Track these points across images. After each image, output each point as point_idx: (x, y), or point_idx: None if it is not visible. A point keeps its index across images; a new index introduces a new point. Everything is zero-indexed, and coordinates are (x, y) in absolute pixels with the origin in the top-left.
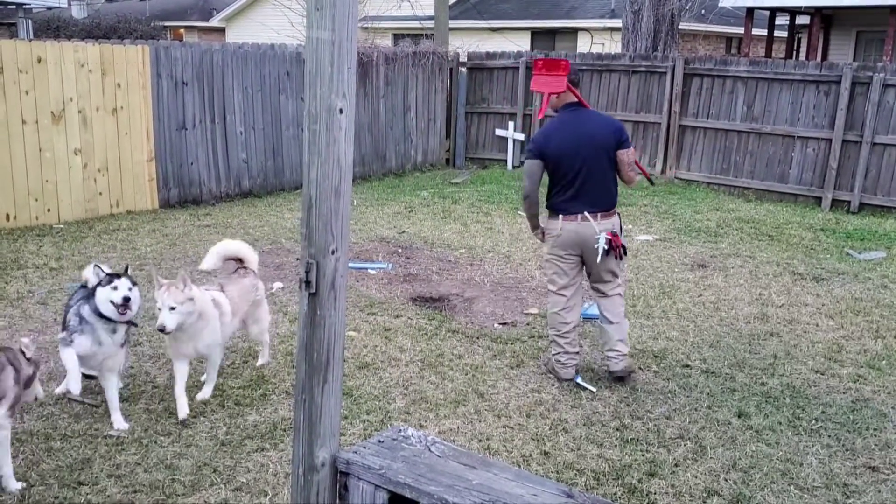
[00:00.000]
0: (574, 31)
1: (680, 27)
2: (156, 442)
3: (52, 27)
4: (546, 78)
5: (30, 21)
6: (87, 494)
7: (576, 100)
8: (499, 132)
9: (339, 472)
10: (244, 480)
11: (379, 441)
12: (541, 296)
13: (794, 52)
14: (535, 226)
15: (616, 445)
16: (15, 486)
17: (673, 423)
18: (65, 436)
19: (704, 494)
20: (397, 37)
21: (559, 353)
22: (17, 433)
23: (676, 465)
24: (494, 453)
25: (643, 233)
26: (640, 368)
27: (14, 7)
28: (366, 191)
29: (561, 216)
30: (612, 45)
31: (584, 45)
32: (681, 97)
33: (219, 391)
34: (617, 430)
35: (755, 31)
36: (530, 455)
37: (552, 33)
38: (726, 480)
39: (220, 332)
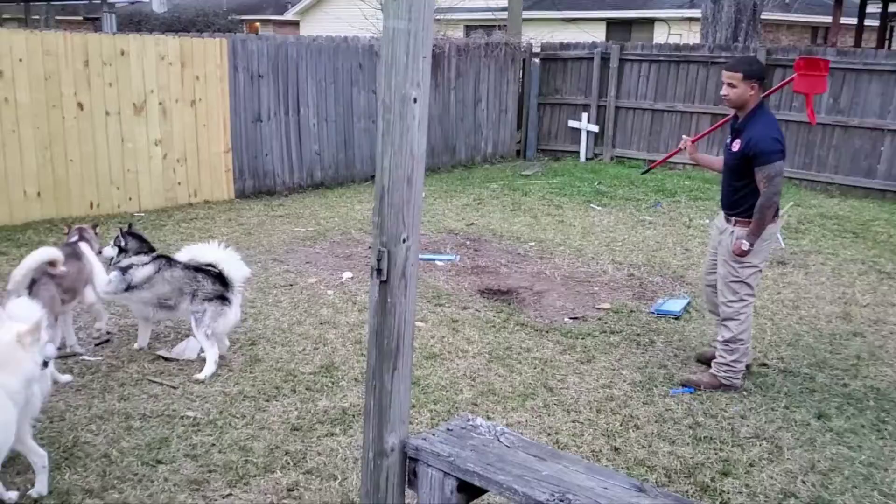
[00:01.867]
0: (651, 22)
1: (762, 17)
2: (230, 424)
3: (135, 21)
4: (810, 79)
5: (114, 15)
6: (165, 473)
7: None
8: (572, 123)
9: (408, 457)
10: (314, 464)
11: (448, 429)
12: (613, 290)
13: (887, 42)
14: (759, 234)
15: (688, 443)
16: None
17: (748, 422)
18: (144, 416)
19: (780, 496)
20: (469, 28)
21: (740, 362)
22: (99, 412)
23: (751, 465)
24: (563, 448)
25: None
26: None
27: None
28: (434, 183)
29: (776, 219)
30: (691, 36)
31: (660, 35)
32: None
33: (290, 377)
34: (689, 427)
35: (843, 20)
36: (600, 450)
37: (628, 24)
38: (804, 483)
39: None
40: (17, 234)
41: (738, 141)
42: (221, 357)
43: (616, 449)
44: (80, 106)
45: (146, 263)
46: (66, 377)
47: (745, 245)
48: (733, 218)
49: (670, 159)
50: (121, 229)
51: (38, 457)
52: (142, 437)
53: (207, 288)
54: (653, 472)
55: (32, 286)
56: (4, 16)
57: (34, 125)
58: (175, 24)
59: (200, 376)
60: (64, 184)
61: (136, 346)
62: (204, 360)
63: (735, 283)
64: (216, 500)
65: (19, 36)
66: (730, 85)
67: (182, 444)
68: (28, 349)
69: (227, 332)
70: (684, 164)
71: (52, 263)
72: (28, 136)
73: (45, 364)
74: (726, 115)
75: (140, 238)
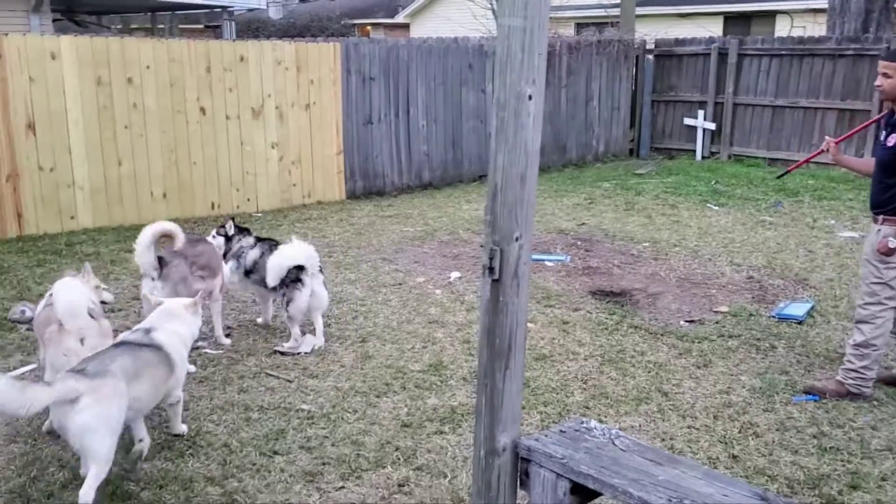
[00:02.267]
0: (772, 15)
1: None
2: (343, 418)
3: (252, 28)
4: None
5: (233, 23)
6: (281, 463)
7: None
8: (687, 121)
9: (520, 458)
10: (424, 461)
11: (561, 431)
12: (731, 293)
13: None
14: None
15: (813, 453)
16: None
17: (879, 433)
18: (261, 408)
19: None
20: (580, 26)
21: (871, 369)
22: (220, 403)
23: (883, 479)
24: (678, 454)
25: (847, 229)
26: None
27: (220, 10)
28: (544, 182)
29: None
30: (815, 28)
31: (782, 29)
32: None
33: (400, 374)
34: (814, 437)
35: None
36: (717, 458)
37: (747, 17)
38: None
39: None
40: None
41: (894, 135)
42: (333, 353)
43: (734, 457)
44: (203, 111)
45: (253, 247)
46: (191, 367)
47: (893, 243)
48: (881, 216)
49: (807, 161)
50: (228, 218)
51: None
52: (260, 429)
53: (289, 273)
54: (774, 482)
55: (163, 268)
56: (132, 26)
57: (161, 129)
58: (290, 30)
59: (281, 348)
60: (188, 185)
61: (259, 320)
62: (319, 354)
63: (876, 285)
64: (330, 492)
65: (147, 44)
66: (884, 75)
67: (297, 436)
68: (194, 315)
69: (312, 312)
70: (818, 162)
71: (168, 236)
72: (155, 140)
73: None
74: (854, 110)
75: (240, 227)
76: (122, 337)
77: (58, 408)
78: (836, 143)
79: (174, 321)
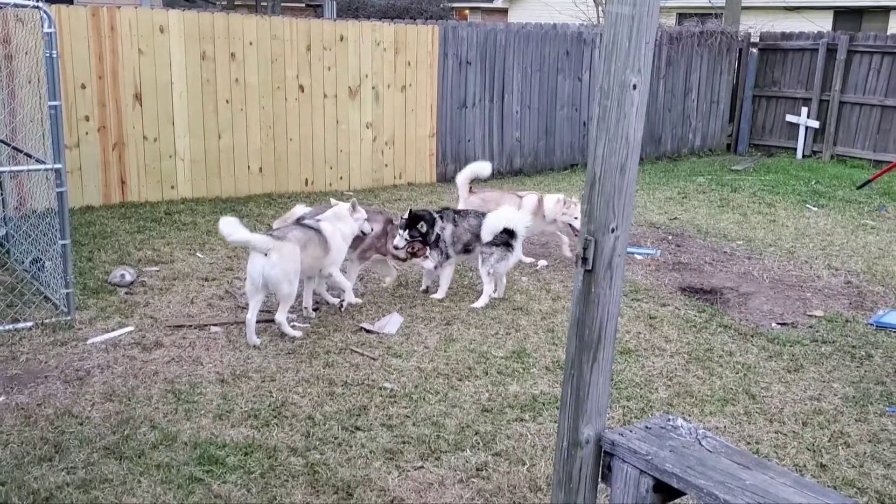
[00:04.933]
0: (886, 10)
1: None
2: (424, 399)
3: (353, 8)
4: None
5: (334, 2)
6: (362, 439)
7: None
8: (789, 118)
9: (603, 451)
10: (503, 447)
11: (646, 427)
12: (827, 297)
13: None
14: None
15: None
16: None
17: None
18: (346, 383)
19: None
20: (682, 16)
21: None
22: (306, 376)
23: None
24: (764, 458)
25: None
26: None
27: None
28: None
29: None
30: None
31: None
32: None
33: (483, 359)
34: None
35: None
36: (804, 465)
37: (858, 12)
38: None
39: None
40: (239, 205)
41: None
42: (417, 335)
43: (822, 466)
44: (301, 88)
45: (444, 227)
46: (358, 300)
47: None
48: None
49: (890, 170)
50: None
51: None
52: (343, 404)
53: (499, 235)
54: (863, 495)
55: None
56: (237, 2)
57: (260, 105)
58: (390, 11)
59: (475, 305)
60: (283, 161)
61: (437, 296)
62: (403, 334)
63: None
64: (409, 471)
65: (250, 21)
66: None
67: (379, 413)
68: (352, 217)
69: (506, 273)
70: None
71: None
72: (254, 115)
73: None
74: None
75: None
76: (302, 222)
77: (255, 257)
78: None
79: (339, 220)
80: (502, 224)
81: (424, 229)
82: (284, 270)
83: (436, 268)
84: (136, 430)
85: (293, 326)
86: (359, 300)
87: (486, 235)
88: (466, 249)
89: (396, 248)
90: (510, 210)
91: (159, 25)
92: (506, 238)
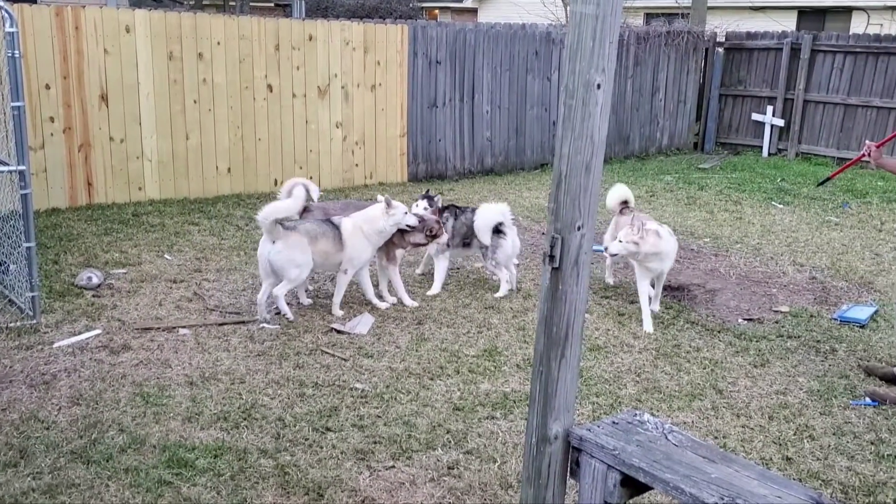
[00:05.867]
0: (848, 10)
1: None
2: (396, 399)
3: (322, 7)
4: None
5: (303, 1)
6: (333, 440)
7: None
8: (755, 117)
9: (571, 447)
10: (475, 445)
11: (614, 422)
12: (792, 293)
13: None
14: None
15: (870, 460)
16: (410, 302)
17: None
18: (316, 384)
19: None
20: (650, 16)
21: None
22: (276, 377)
23: None
24: (731, 453)
25: None
26: None
27: None
28: (605, 172)
29: None
30: (893, 27)
31: (858, 25)
32: None
33: (454, 358)
34: (872, 443)
35: None
36: (770, 459)
37: (822, 12)
38: None
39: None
40: (208, 206)
41: None
42: (389, 334)
43: (788, 459)
44: (270, 88)
45: (447, 220)
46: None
47: None
48: None
49: (849, 167)
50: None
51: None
52: (313, 405)
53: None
54: (828, 487)
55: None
56: (204, 2)
57: (228, 105)
58: (359, 11)
59: (497, 295)
60: (252, 161)
61: (431, 292)
62: (374, 334)
63: None
64: (380, 471)
65: (218, 21)
66: None
67: (350, 414)
68: (385, 216)
69: (511, 259)
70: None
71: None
72: (222, 115)
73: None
74: None
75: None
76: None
77: (264, 243)
78: (878, 146)
79: (366, 222)
80: (494, 219)
81: (446, 216)
82: (289, 258)
83: (438, 252)
84: (104, 434)
85: (263, 327)
86: (386, 304)
87: (482, 235)
88: (465, 243)
89: (415, 221)
90: (496, 204)
91: (125, 25)
92: (496, 226)
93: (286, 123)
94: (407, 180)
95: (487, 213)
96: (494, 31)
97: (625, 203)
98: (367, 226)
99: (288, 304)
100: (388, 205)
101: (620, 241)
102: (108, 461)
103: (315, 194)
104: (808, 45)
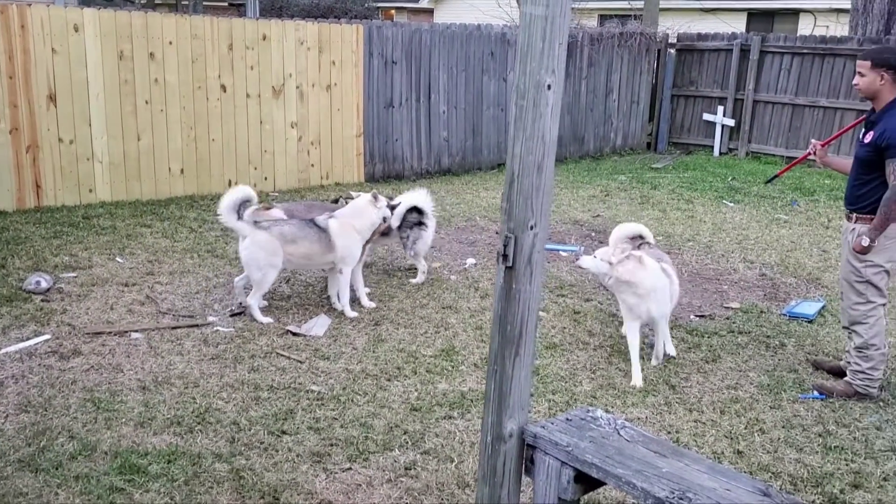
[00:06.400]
0: (795, 13)
1: None
2: (352, 400)
3: (276, 7)
4: None
5: (257, 1)
6: (289, 443)
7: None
8: (707, 117)
9: (526, 444)
10: (432, 445)
11: (567, 419)
12: (743, 289)
13: None
14: (882, 229)
15: (817, 452)
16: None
17: (884, 434)
18: (272, 387)
19: None
20: (603, 17)
21: (877, 369)
22: (231, 381)
23: (885, 479)
24: (684, 447)
25: None
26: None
27: None
28: (561, 173)
29: None
30: (838, 28)
31: (805, 27)
32: None
33: (412, 358)
34: (819, 435)
35: None
36: (722, 452)
37: (770, 14)
38: None
39: (669, 298)
40: (160, 208)
41: (871, 133)
42: (345, 336)
43: (739, 452)
44: (224, 88)
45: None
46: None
47: (866, 241)
48: (854, 214)
49: (795, 165)
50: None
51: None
52: (269, 408)
53: (410, 218)
54: (777, 479)
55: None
56: (156, 1)
57: (181, 105)
58: (314, 11)
59: (414, 281)
60: (206, 162)
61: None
62: (331, 336)
63: (859, 284)
64: (336, 472)
65: (170, 20)
66: (860, 73)
67: (306, 416)
68: (373, 208)
69: (426, 251)
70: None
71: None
72: (175, 115)
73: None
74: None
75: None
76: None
77: (241, 242)
78: (823, 145)
79: (354, 216)
80: (407, 206)
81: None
82: (252, 256)
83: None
84: (53, 441)
85: (216, 329)
86: (372, 304)
87: (394, 221)
88: (383, 232)
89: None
90: (416, 192)
91: (74, 24)
92: (418, 218)
93: (240, 124)
94: (364, 181)
95: (407, 199)
96: (450, 31)
97: (641, 238)
98: (359, 221)
99: (239, 312)
100: (376, 198)
101: (595, 257)
102: (57, 469)
103: None
104: (757, 46)
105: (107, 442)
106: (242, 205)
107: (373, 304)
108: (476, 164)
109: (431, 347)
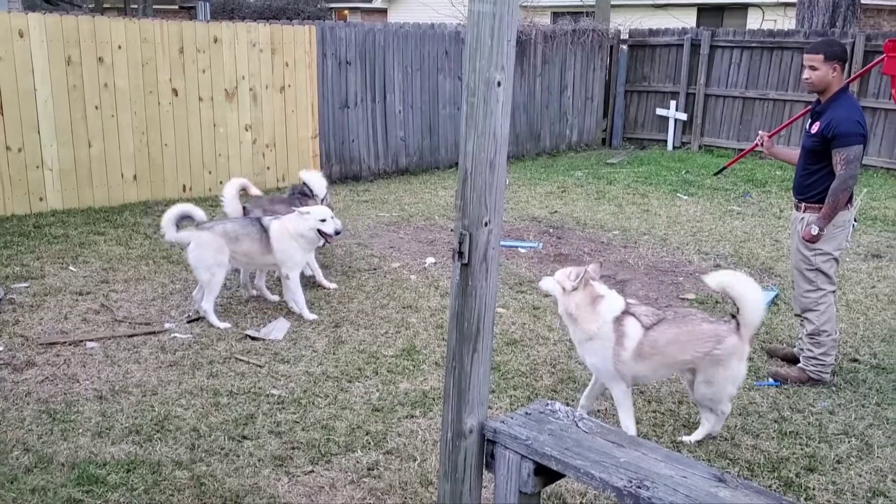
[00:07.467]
0: (744, 7)
1: (863, 1)
2: (313, 403)
3: (227, 9)
4: None
5: (207, 4)
6: (250, 448)
7: (843, 83)
8: (660, 112)
9: (486, 440)
10: (394, 445)
11: (526, 413)
12: (698, 281)
13: None
14: (830, 218)
15: (773, 437)
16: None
17: (836, 418)
18: (231, 393)
19: (869, 494)
20: (556, 15)
21: (829, 355)
22: (189, 388)
23: (839, 462)
24: (643, 437)
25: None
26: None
27: None
28: (518, 170)
29: (849, 205)
30: (786, 22)
31: (754, 21)
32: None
33: (373, 359)
34: (775, 422)
35: None
36: (681, 441)
37: (720, 9)
38: (895, 482)
39: (611, 360)
40: (114, 215)
41: (817, 123)
42: (305, 339)
43: (698, 441)
44: (175, 92)
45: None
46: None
47: (815, 230)
48: (803, 204)
49: (742, 156)
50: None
51: None
52: (229, 413)
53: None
54: (735, 465)
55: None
56: (105, 5)
57: (132, 110)
58: (266, 12)
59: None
60: (159, 167)
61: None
62: (291, 339)
63: (809, 272)
64: (299, 476)
65: (118, 24)
66: (811, 68)
67: (267, 420)
68: (302, 221)
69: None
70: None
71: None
72: (126, 120)
73: (338, 233)
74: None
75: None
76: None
77: (187, 250)
78: (770, 136)
79: (292, 221)
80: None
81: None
82: (198, 258)
83: None
84: (8, 455)
85: (174, 336)
86: (333, 284)
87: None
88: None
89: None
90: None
91: (18, 29)
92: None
93: (193, 127)
94: None
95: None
96: (404, 30)
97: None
98: (293, 228)
99: (195, 319)
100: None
101: (554, 277)
102: (12, 483)
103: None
104: (708, 41)
105: (63, 453)
106: (181, 220)
107: (334, 286)
108: (433, 163)
109: (392, 347)
